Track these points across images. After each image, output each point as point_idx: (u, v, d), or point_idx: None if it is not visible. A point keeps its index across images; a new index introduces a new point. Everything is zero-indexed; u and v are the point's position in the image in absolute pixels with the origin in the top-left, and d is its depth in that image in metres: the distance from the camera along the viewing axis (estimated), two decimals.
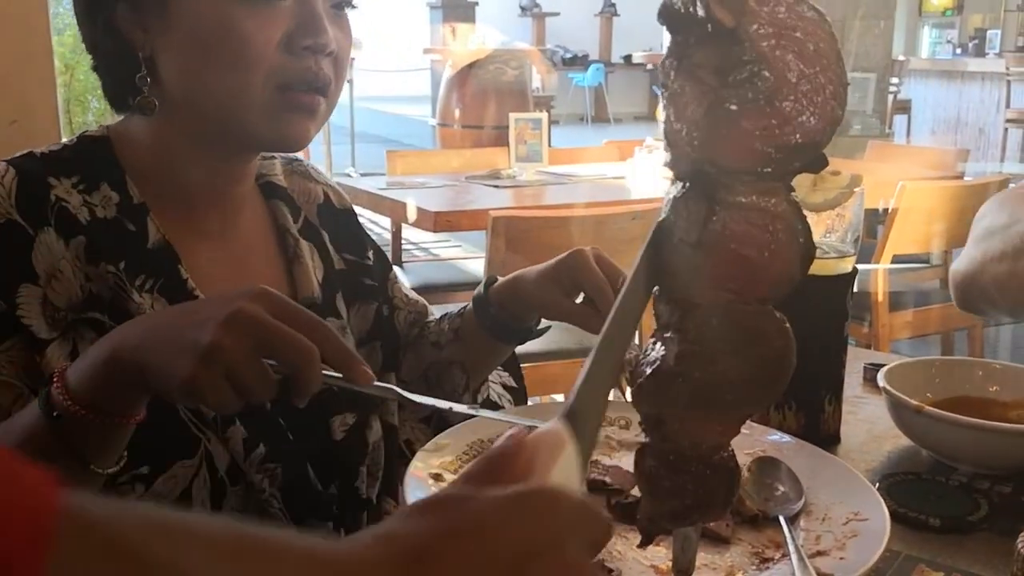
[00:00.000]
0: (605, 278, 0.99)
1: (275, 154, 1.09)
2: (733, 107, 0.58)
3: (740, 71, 0.57)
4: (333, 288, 1.07)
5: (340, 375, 0.76)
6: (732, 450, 0.65)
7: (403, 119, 11.71)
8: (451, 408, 0.83)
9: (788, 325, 0.62)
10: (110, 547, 0.36)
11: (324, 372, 0.74)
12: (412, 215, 3.04)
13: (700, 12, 0.57)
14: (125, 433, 0.78)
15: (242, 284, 1.00)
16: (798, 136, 0.58)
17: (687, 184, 0.61)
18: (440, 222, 2.96)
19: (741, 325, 0.62)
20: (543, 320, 1.10)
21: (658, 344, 0.64)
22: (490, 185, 3.46)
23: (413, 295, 1.22)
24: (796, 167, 0.60)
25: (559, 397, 2.85)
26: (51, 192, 0.88)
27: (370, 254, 1.14)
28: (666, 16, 0.59)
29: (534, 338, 1.11)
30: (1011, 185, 2.78)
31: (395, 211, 3.19)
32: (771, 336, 0.63)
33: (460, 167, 3.81)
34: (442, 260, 5.55)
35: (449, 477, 0.86)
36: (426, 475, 0.85)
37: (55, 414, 0.74)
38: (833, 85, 0.59)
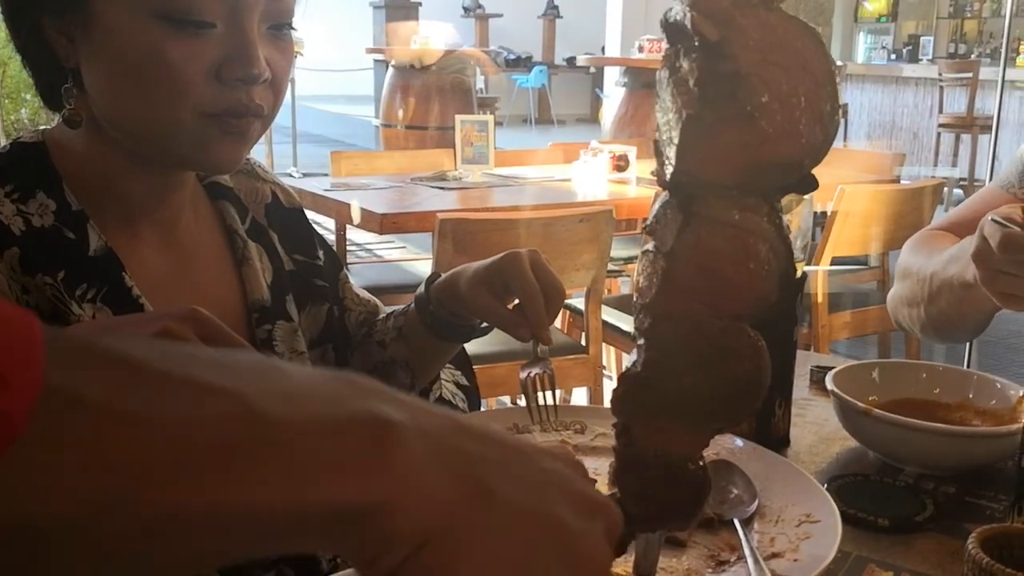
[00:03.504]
0: (537, 284, 0.98)
1: None
2: (711, 121, 0.57)
3: (722, 85, 0.57)
4: (283, 290, 1.05)
5: None
6: (704, 463, 0.65)
7: (346, 119, 11.63)
8: None
9: (763, 345, 0.61)
10: (102, 355, 0.36)
11: None
12: (357, 217, 3.02)
13: (688, 24, 0.57)
14: None
15: (190, 289, 0.98)
16: (776, 155, 0.58)
17: (669, 193, 0.62)
18: (387, 224, 2.94)
19: (710, 340, 0.62)
20: None
21: (635, 350, 0.64)
22: (436, 187, 3.45)
23: (364, 294, 1.21)
24: (781, 186, 0.60)
25: (506, 399, 2.85)
26: None
27: (320, 254, 1.13)
28: (663, 25, 0.58)
29: (477, 336, 1.09)
30: (945, 190, 2.83)
31: (340, 213, 3.16)
32: (742, 355, 0.62)
33: (405, 168, 3.79)
34: (388, 262, 5.52)
35: None
36: None
37: None
38: (822, 105, 0.57)
